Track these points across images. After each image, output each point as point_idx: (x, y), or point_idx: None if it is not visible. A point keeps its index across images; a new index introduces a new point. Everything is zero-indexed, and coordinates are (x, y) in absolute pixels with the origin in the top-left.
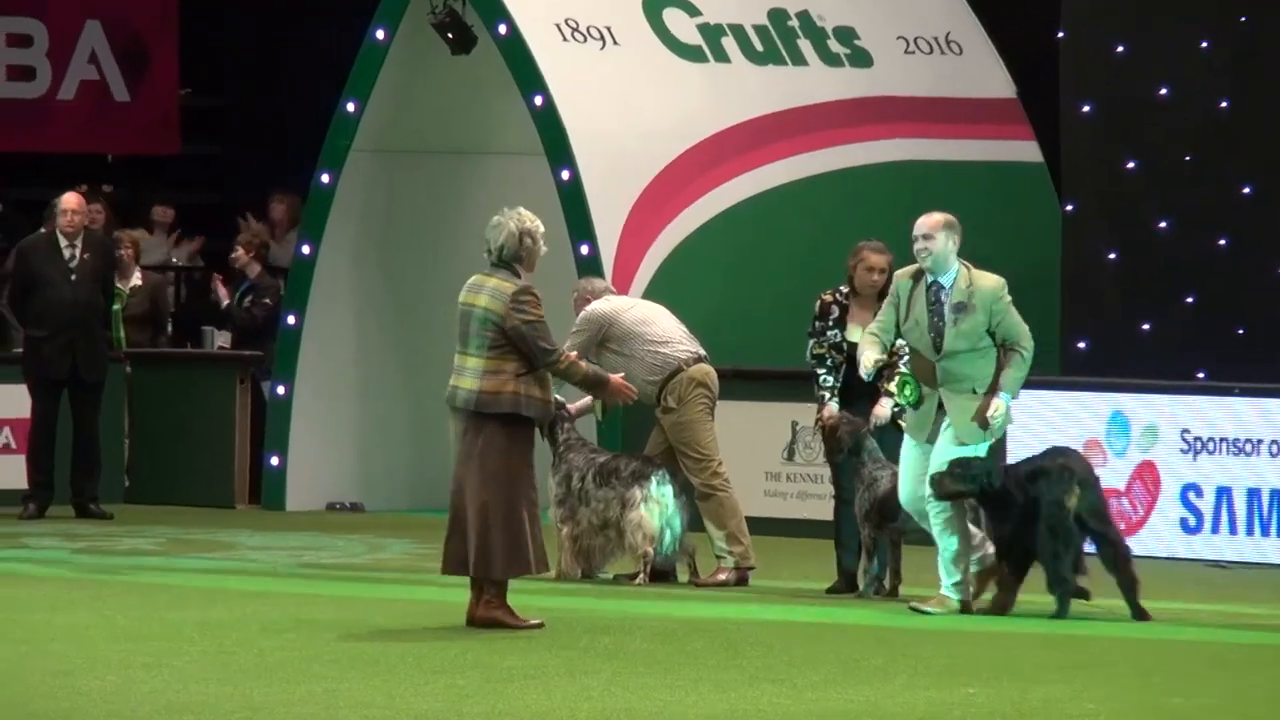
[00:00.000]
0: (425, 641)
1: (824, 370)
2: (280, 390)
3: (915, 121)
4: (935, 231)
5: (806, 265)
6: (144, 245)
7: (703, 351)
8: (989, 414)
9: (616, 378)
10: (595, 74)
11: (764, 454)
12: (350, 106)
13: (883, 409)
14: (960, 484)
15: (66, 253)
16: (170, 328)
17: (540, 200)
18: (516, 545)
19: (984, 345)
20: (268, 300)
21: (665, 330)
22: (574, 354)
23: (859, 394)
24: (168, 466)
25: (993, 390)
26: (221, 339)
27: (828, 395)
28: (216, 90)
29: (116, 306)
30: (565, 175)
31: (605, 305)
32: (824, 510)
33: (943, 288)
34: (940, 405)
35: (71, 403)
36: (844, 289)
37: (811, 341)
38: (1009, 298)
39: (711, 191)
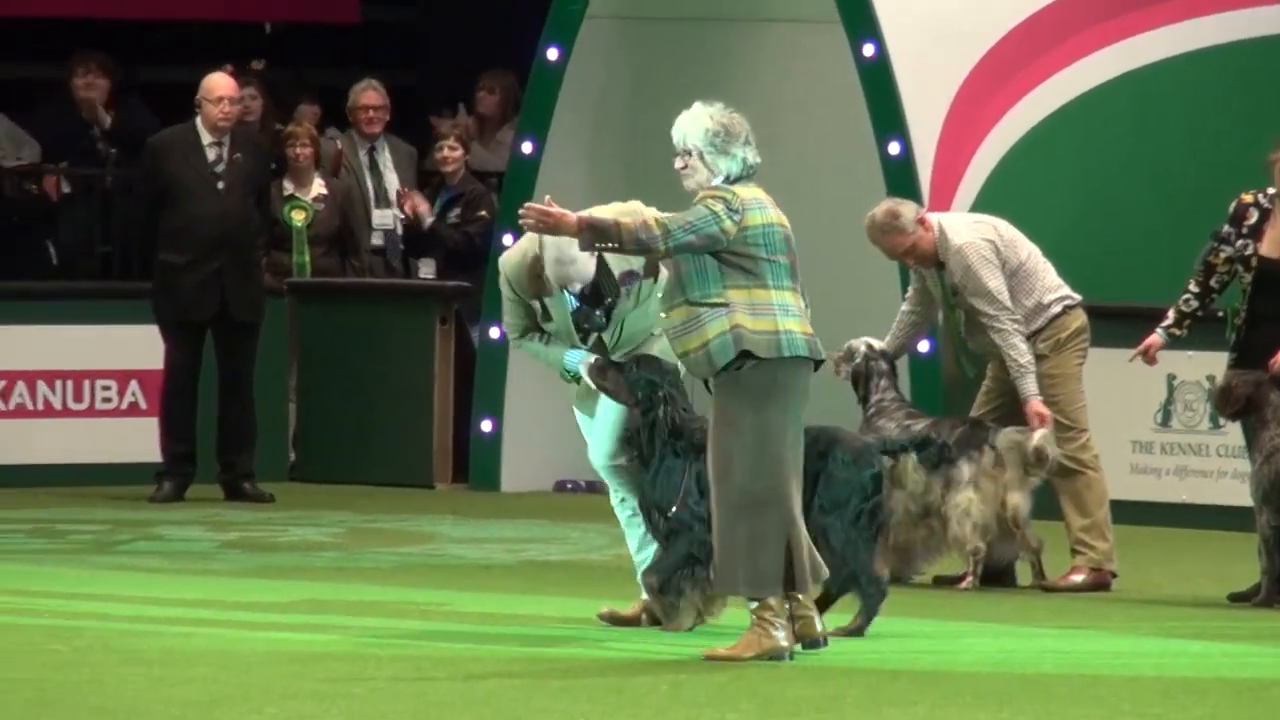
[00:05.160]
0: (687, 671)
1: (1195, 288)
2: (495, 333)
3: None
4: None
5: (1195, 170)
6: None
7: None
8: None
9: None
10: None
11: (1130, 418)
12: None
13: None
14: (618, 384)
15: (211, 153)
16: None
17: (834, 84)
18: None
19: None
20: (484, 214)
21: (1035, 261)
22: None
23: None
24: (346, 434)
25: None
26: (423, 268)
27: (1171, 319)
28: None
29: (299, 223)
30: (868, 51)
31: (984, 233)
32: (1212, 491)
33: None
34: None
35: (218, 351)
36: (1271, 190)
37: (1210, 245)
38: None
39: (1065, 69)
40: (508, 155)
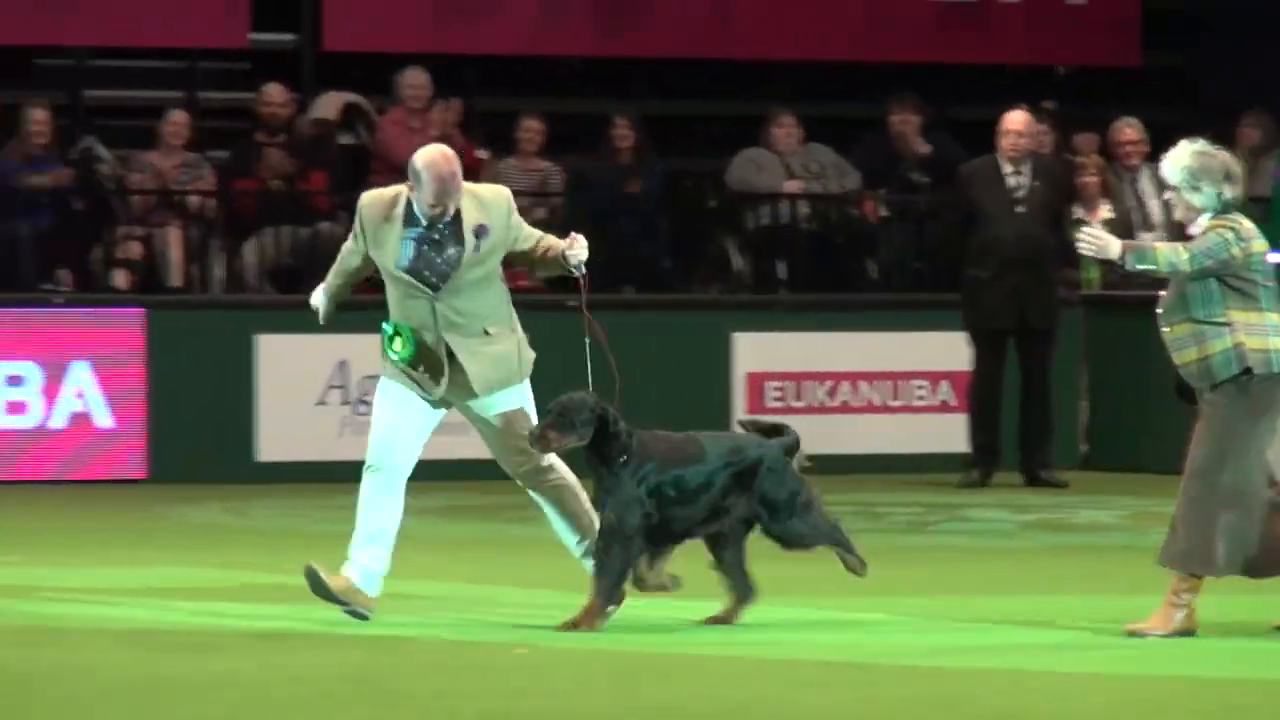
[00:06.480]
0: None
1: None
2: None
3: None
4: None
5: None
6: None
7: None
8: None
9: None
10: None
11: None
12: None
13: None
14: (568, 431)
15: (1010, 181)
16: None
17: None
18: None
19: (495, 274)
20: None
21: None
22: None
23: None
24: (1130, 428)
25: None
26: None
27: None
28: None
29: None
30: None
31: None
32: None
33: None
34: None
35: (1019, 355)
36: None
37: None
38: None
39: None
40: (1269, 181)
